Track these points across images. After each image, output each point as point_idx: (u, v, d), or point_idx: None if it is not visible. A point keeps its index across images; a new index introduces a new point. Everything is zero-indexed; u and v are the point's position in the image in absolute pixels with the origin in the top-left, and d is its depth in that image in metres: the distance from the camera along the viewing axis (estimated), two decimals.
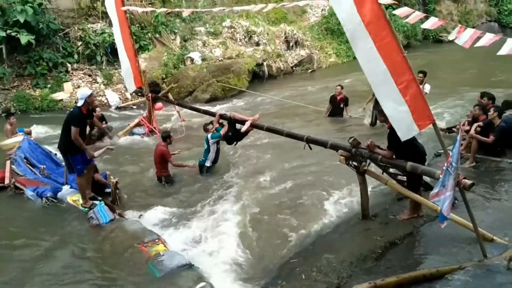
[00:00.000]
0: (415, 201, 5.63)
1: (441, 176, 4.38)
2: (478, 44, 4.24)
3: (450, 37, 4.46)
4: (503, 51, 4.14)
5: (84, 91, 6.64)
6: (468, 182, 4.56)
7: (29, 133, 9.98)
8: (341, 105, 11.71)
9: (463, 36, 4.35)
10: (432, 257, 4.97)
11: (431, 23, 4.74)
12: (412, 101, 4.59)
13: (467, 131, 7.82)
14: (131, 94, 14.92)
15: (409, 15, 4.74)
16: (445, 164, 4.29)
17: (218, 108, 12.96)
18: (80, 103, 6.52)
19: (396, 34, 4.58)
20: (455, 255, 4.86)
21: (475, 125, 7.77)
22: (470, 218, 4.64)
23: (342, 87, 11.77)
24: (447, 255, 4.92)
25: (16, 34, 13.26)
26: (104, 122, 10.86)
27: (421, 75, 9.27)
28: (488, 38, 4.31)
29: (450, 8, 27.02)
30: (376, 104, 9.61)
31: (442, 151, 5.55)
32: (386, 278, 4.37)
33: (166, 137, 8.29)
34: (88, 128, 9.40)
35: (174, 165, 8.24)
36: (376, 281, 4.32)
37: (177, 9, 11.36)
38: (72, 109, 6.89)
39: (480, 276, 4.26)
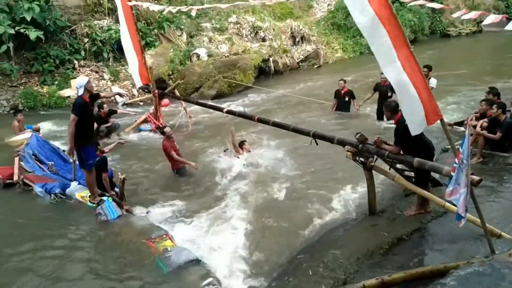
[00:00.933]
0: (423, 197, 5.61)
1: (453, 173, 4.34)
2: (485, 22, 4.24)
3: (455, 15, 4.47)
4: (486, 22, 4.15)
5: (81, 80, 6.67)
6: (476, 178, 4.55)
7: (38, 130, 10.04)
8: (346, 99, 11.71)
9: (469, 14, 4.35)
10: (439, 253, 4.97)
11: (434, 5, 4.72)
12: (423, 97, 4.58)
13: (475, 127, 7.78)
14: (138, 91, 14.98)
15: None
16: (456, 161, 4.26)
17: (228, 104, 12.96)
18: (80, 92, 6.54)
19: (403, 28, 4.56)
20: (463, 251, 4.85)
21: (480, 122, 7.72)
22: (478, 214, 4.62)
23: (345, 81, 11.79)
24: (455, 251, 4.91)
25: (25, 31, 13.34)
26: (112, 117, 10.94)
27: (425, 69, 9.20)
28: (494, 17, 4.30)
29: (457, 2, 26.78)
30: (383, 99, 9.61)
31: (449, 146, 5.52)
32: (393, 274, 4.37)
33: (162, 132, 8.39)
34: (95, 125, 9.47)
35: (176, 159, 8.25)
36: (383, 276, 4.32)
37: (184, 7, 11.33)
38: (75, 100, 6.91)
39: (488, 272, 4.24)
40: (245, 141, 9.07)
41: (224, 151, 9.09)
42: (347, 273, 4.79)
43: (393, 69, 4.63)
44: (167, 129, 8.35)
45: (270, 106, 13.40)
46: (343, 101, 11.75)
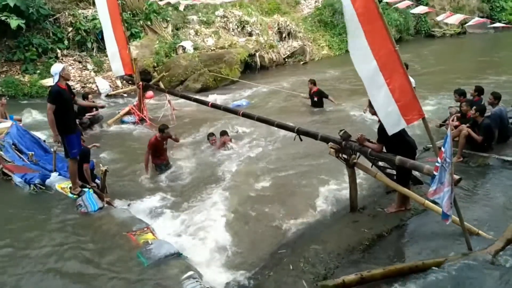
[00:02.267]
0: (403, 195, 5.68)
1: (435, 173, 4.39)
2: (468, 24, 4.32)
3: (439, 18, 4.55)
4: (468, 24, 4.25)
5: (56, 67, 6.52)
6: (456, 177, 4.61)
7: (19, 121, 9.88)
8: (315, 99, 11.94)
9: (451, 19, 4.41)
10: (418, 249, 5.04)
11: (420, 9, 4.80)
12: (401, 96, 4.62)
13: (456, 127, 7.90)
14: (121, 82, 14.82)
15: (399, 1, 4.79)
16: (439, 160, 4.31)
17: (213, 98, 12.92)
18: (56, 80, 6.41)
19: (388, 28, 4.59)
20: (441, 248, 4.93)
21: (463, 126, 7.82)
22: (457, 212, 4.70)
23: (311, 82, 11.98)
24: (433, 248, 4.99)
25: (6, 19, 13.07)
26: (95, 109, 10.78)
27: None
28: (476, 20, 4.38)
29: (443, 3, 27.05)
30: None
31: (431, 145, 5.59)
32: (372, 270, 4.42)
33: (161, 130, 8.17)
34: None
35: (145, 158, 8.13)
36: (363, 272, 4.37)
37: (173, 0, 11.23)
38: (51, 87, 6.76)
39: (465, 269, 4.33)
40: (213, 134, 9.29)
41: (208, 138, 9.16)
42: (328, 269, 4.84)
43: (368, 69, 4.68)
44: (167, 131, 8.15)
45: (255, 101, 13.38)
46: (313, 100, 12.03)
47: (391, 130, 4.96)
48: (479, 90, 8.72)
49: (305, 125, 7.97)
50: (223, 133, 9.17)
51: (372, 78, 4.71)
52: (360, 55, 4.71)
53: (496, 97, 8.13)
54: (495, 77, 14.08)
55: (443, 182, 4.33)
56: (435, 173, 4.42)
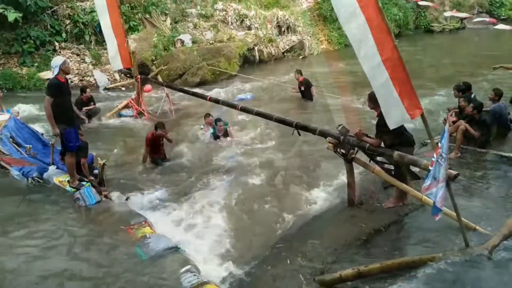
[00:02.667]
0: (401, 190, 5.69)
1: (431, 168, 4.39)
2: (473, 21, 4.32)
3: (446, 14, 4.56)
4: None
5: (56, 60, 6.52)
6: (453, 172, 4.61)
7: (17, 114, 9.84)
8: (302, 88, 12.11)
9: (459, 14, 4.39)
10: (415, 245, 5.06)
11: (425, 3, 4.79)
12: (403, 90, 4.62)
13: (454, 122, 7.91)
14: (119, 75, 14.78)
15: None
16: (435, 156, 4.30)
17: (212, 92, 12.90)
18: (55, 72, 6.40)
19: (388, 22, 4.57)
20: (438, 244, 4.94)
21: (461, 122, 7.83)
22: (454, 208, 4.71)
23: (298, 72, 12.20)
24: (430, 243, 5.00)
25: (4, 11, 12.99)
26: (92, 103, 10.76)
27: None
28: (482, 19, 4.38)
29: None
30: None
31: (429, 140, 5.59)
32: (369, 265, 4.44)
33: (156, 126, 8.17)
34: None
35: (144, 154, 8.24)
36: (360, 267, 4.39)
37: None
38: (49, 80, 6.73)
39: (462, 265, 4.35)
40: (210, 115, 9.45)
41: (205, 118, 9.39)
42: (325, 263, 4.84)
43: (373, 64, 4.66)
44: (159, 130, 8.07)
45: (254, 95, 13.35)
46: (301, 90, 12.19)
47: (393, 125, 4.93)
48: (467, 86, 8.82)
49: (304, 117, 7.97)
50: (218, 120, 9.16)
51: (377, 73, 4.69)
52: (365, 49, 4.69)
53: (497, 94, 8.14)
54: (499, 71, 14.08)
55: (437, 178, 4.32)
56: (430, 168, 4.42)
